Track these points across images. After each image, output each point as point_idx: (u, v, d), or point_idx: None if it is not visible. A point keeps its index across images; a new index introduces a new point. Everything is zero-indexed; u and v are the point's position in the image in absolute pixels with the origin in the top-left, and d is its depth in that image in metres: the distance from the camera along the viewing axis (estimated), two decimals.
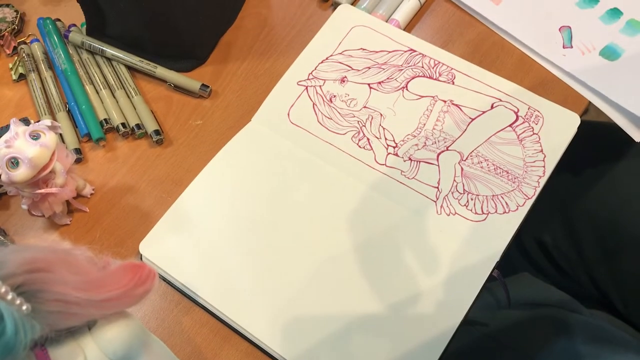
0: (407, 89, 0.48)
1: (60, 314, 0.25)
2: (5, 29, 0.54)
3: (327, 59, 0.50)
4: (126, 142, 0.49)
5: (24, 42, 0.54)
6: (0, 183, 0.39)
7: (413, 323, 0.39)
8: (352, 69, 0.49)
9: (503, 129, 0.46)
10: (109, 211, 0.46)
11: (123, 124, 0.49)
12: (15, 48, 0.54)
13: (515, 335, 0.50)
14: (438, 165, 0.45)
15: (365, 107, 0.48)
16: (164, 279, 0.42)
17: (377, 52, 0.50)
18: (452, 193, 0.44)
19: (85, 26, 0.53)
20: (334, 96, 0.48)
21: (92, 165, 0.48)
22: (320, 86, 0.49)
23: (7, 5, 0.56)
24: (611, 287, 0.55)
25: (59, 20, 0.55)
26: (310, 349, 0.39)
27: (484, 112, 0.47)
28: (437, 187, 0.44)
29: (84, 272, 0.26)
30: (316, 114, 0.48)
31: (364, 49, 0.50)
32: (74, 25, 0.54)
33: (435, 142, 0.46)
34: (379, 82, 0.49)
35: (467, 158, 0.45)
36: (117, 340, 0.28)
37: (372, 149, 0.46)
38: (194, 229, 0.43)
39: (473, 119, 0.47)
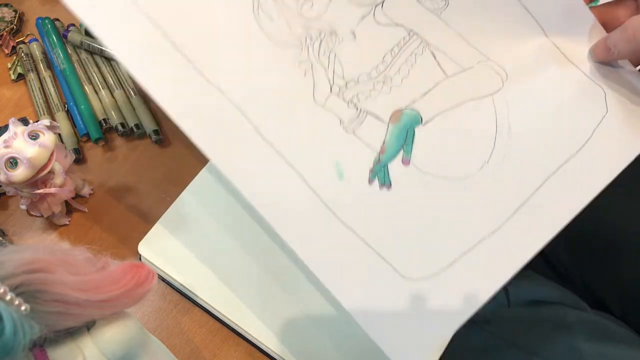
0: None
1: (59, 314, 0.24)
2: (4, 29, 0.54)
3: None
4: (125, 142, 0.49)
5: (23, 42, 0.54)
6: None
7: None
8: None
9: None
10: (108, 211, 0.46)
11: (122, 124, 0.48)
12: (14, 48, 0.54)
13: (519, 333, 0.50)
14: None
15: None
16: (163, 280, 0.42)
17: None
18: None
19: (84, 26, 0.53)
20: None
21: (91, 165, 0.48)
22: None
23: (6, 5, 0.56)
24: (608, 293, 0.55)
25: (57, 19, 0.55)
26: (309, 349, 0.39)
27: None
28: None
29: (83, 273, 0.26)
30: None
31: None
32: (73, 25, 0.54)
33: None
34: None
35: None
36: (116, 341, 0.28)
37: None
38: (193, 230, 0.43)
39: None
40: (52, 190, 0.40)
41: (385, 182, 0.35)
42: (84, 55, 0.52)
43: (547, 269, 0.59)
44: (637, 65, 0.40)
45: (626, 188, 0.57)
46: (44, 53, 0.53)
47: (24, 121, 0.47)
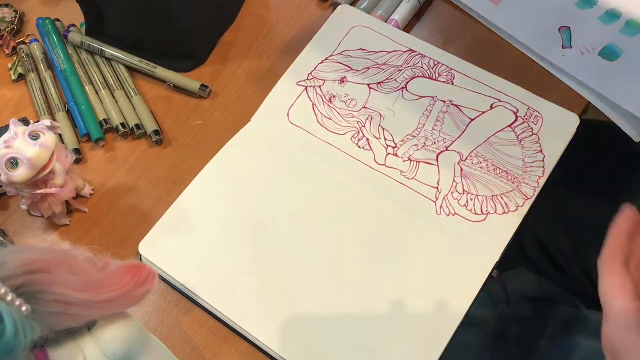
0: (406, 90, 0.48)
1: (60, 314, 0.25)
2: (5, 29, 0.54)
3: (326, 59, 0.50)
4: (126, 143, 0.49)
5: (24, 42, 0.54)
6: (0, 183, 0.39)
7: (413, 323, 0.39)
8: (352, 70, 0.49)
9: (502, 130, 0.46)
10: (109, 211, 0.46)
11: (122, 124, 0.49)
12: (14, 48, 0.54)
13: (517, 331, 0.50)
14: (438, 166, 0.45)
15: (364, 107, 0.48)
16: (164, 280, 0.42)
17: (376, 52, 0.50)
18: (452, 193, 0.44)
19: (84, 26, 0.53)
20: (334, 96, 0.48)
21: (92, 165, 0.48)
22: (319, 87, 0.49)
23: (7, 6, 0.56)
24: None
25: (58, 20, 0.55)
26: (309, 349, 0.39)
27: (483, 113, 0.47)
28: (437, 188, 0.44)
29: (84, 273, 0.26)
30: (316, 114, 0.48)
31: (363, 50, 0.50)
32: (74, 25, 0.54)
33: (435, 143, 0.46)
34: (379, 83, 0.49)
35: (466, 158, 0.45)
36: (117, 341, 0.28)
37: (371, 149, 0.46)
38: (193, 230, 0.43)
39: (472, 120, 0.47)
40: (53, 190, 0.40)
41: None
42: (84, 55, 0.52)
43: (546, 262, 0.60)
44: None
45: (627, 177, 0.57)
46: (45, 53, 0.53)
47: (25, 121, 0.47)
